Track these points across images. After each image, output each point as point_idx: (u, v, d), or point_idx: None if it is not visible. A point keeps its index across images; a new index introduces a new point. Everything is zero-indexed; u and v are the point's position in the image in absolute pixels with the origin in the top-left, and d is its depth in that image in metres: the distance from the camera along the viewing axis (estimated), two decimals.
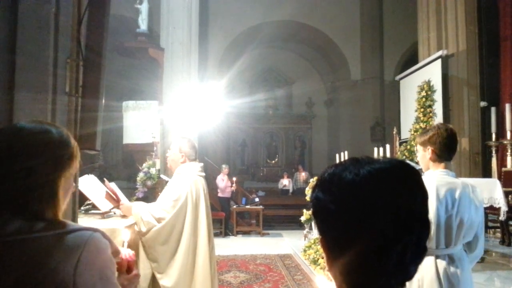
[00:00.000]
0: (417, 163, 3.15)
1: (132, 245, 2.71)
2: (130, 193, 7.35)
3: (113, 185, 3.10)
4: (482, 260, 5.58)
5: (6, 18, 1.75)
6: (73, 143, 1.11)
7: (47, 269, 0.93)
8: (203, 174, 3.30)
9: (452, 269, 2.06)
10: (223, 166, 11.17)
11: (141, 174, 7.17)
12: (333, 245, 0.75)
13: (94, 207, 3.07)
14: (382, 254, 0.69)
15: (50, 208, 1.02)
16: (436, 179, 2.14)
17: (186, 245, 2.96)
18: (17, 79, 1.77)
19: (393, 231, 0.69)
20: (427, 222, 0.74)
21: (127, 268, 1.21)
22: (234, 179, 10.95)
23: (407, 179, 0.73)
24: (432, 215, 2.04)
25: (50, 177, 1.03)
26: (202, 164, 3.34)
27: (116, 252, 1.10)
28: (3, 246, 0.95)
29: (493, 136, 7.39)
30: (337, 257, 0.74)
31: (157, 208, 2.95)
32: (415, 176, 0.74)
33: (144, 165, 7.26)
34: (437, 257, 2.07)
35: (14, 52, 1.79)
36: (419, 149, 2.31)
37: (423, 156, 2.27)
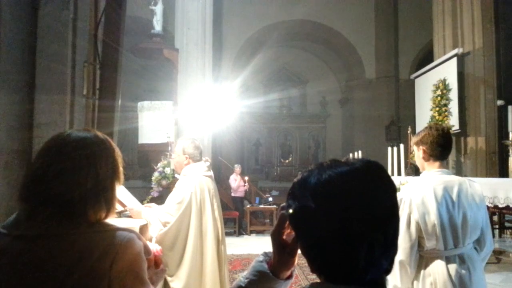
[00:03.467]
0: None
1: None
2: (146, 193, 7.46)
3: (122, 188, 3.11)
4: (498, 261, 5.52)
5: (27, 23, 1.82)
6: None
7: (87, 265, 1.01)
8: (210, 173, 3.27)
9: (463, 269, 2.04)
10: (236, 166, 11.22)
11: (156, 174, 7.26)
12: (307, 247, 0.79)
13: None
14: (349, 252, 0.73)
15: (104, 211, 1.11)
16: (432, 179, 2.14)
17: (193, 246, 2.97)
18: (37, 81, 1.83)
19: (356, 229, 0.72)
20: (392, 218, 0.77)
21: (155, 263, 1.27)
22: (246, 178, 10.98)
23: (368, 180, 0.76)
24: (433, 216, 2.03)
25: (110, 182, 1.14)
26: (208, 163, 3.29)
27: (148, 252, 1.17)
28: (49, 241, 1.02)
29: (510, 135, 7.28)
30: (313, 258, 0.78)
31: (163, 212, 2.97)
32: (377, 175, 0.78)
33: (159, 164, 7.35)
34: (447, 258, 2.05)
35: (35, 55, 1.85)
36: (414, 149, 2.33)
37: (417, 157, 2.30)
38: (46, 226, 1.03)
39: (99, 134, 1.18)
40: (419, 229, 2.07)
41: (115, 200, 1.16)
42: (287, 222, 0.83)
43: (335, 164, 0.78)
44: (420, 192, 2.10)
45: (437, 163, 2.20)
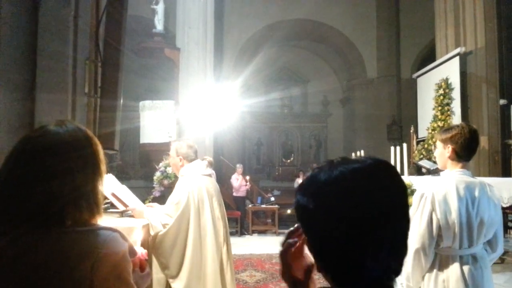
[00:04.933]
0: (434, 162, 3.14)
1: (145, 245, 2.75)
2: (147, 192, 7.45)
3: (124, 188, 3.10)
4: (502, 261, 5.49)
5: (28, 21, 1.79)
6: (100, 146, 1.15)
7: (67, 264, 0.97)
8: (209, 172, 3.24)
9: (475, 269, 2.06)
10: (237, 165, 11.21)
11: (157, 173, 7.25)
12: (316, 244, 0.77)
13: (112, 205, 3.10)
14: (357, 250, 0.71)
15: (86, 214, 1.05)
16: (455, 179, 2.13)
17: (193, 246, 2.95)
18: (38, 80, 1.81)
19: (365, 227, 0.71)
20: (402, 218, 0.76)
21: (140, 266, 1.23)
22: (248, 177, 10.97)
23: (380, 177, 0.75)
24: (454, 214, 2.04)
25: (91, 184, 1.07)
26: (206, 162, 3.26)
27: (133, 253, 1.12)
28: (26, 242, 0.98)
29: None
30: (319, 256, 0.77)
31: (162, 214, 2.96)
32: (388, 173, 0.77)
33: (160, 164, 7.35)
34: (460, 257, 2.06)
35: (35, 54, 1.83)
36: (438, 145, 2.29)
37: (441, 154, 2.25)
38: (24, 227, 0.98)
39: (74, 128, 1.09)
40: (439, 226, 2.06)
41: (99, 201, 1.08)
42: (291, 253, 0.82)
43: (346, 161, 0.77)
44: (443, 189, 2.09)
45: (461, 164, 2.18)
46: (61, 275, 0.96)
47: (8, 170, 1.02)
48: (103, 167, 1.12)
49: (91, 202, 1.06)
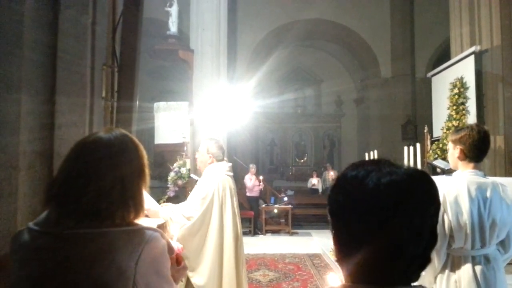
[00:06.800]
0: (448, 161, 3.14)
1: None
2: (162, 192, 7.54)
3: None
4: None
5: (48, 27, 1.87)
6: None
7: (113, 262, 1.04)
8: (231, 173, 3.40)
9: (489, 269, 2.06)
10: (251, 166, 11.27)
11: (172, 174, 7.33)
12: (346, 243, 0.80)
13: None
14: (391, 260, 0.74)
15: (132, 213, 1.13)
16: (466, 179, 2.14)
17: (214, 242, 3.05)
18: (58, 84, 1.88)
19: (406, 240, 0.74)
20: (435, 234, 0.79)
21: (176, 260, 1.31)
22: (261, 177, 11.01)
23: (424, 192, 0.78)
24: (466, 216, 2.04)
25: (137, 186, 1.16)
26: (230, 164, 3.45)
27: (171, 251, 1.20)
28: (80, 240, 1.06)
29: None
30: (347, 254, 0.79)
31: (186, 207, 3.07)
32: (431, 188, 0.79)
33: (175, 164, 7.42)
34: (473, 258, 2.07)
35: (55, 59, 1.90)
36: (449, 146, 2.31)
37: (452, 154, 2.29)
38: (78, 226, 1.06)
39: (122, 135, 1.19)
40: (450, 227, 2.07)
41: (143, 202, 1.17)
42: None
43: (392, 169, 0.77)
44: (454, 190, 2.10)
45: (471, 164, 2.19)
46: (110, 271, 1.03)
47: (66, 173, 1.11)
48: (147, 170, 1.21)
49: (136, 203, 1.14)
